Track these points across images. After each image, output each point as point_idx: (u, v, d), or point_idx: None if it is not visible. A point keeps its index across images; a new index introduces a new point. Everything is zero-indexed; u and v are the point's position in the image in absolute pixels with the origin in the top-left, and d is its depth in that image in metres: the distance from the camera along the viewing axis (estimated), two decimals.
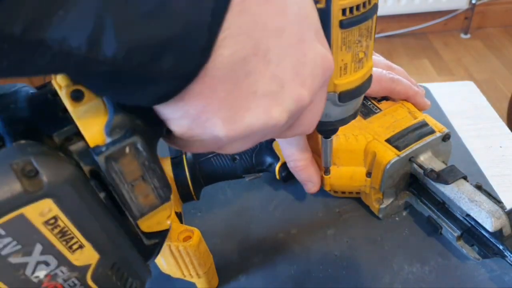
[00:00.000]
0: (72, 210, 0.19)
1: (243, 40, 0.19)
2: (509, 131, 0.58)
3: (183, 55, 0.17)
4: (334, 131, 0.37)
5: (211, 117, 0.20)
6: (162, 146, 0.46)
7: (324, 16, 0.25)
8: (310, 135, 0.46)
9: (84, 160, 0.20)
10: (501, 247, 0.37)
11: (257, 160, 0.47)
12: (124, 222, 0.22)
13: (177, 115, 0.20)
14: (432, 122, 0.44)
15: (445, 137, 0.43)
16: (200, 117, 0.20)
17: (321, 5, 0.24)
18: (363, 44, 0.27)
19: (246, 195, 0.51)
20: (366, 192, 0.46)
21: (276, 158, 0.47)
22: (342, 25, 0.25)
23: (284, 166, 0.47)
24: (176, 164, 0.45)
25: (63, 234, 0.19)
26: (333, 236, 0.45)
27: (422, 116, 0.45)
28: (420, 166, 0.42)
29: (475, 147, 0.56)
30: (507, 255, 0.37)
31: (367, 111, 0.46)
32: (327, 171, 0.45)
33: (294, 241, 0.45)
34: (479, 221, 0.38)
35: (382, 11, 2.05)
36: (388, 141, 0.42)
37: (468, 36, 2.20)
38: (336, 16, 0.25)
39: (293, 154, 0.44)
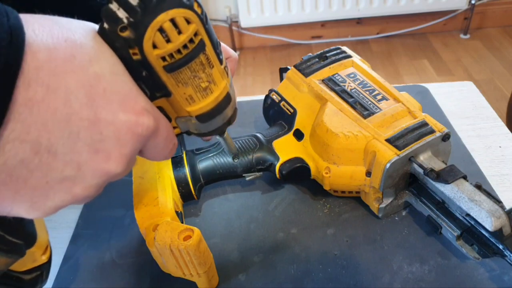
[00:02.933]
0: None
1: (16, 146, 0.19)
2: (508, 131, 0.58)
3: None
4: (221, 133, 0.36)
5: (11, 210, 0.22)
6: None
7: (146, 65, 0.25)
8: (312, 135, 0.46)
9: None
10: (500, 247, 0.37)
11: (257, 159, 0.47)
12: None
13: None
14: (432, 122, 0.44)
15: (445, 137, 0.43)
16: (2, 211, 0.21)
17: (138, 57, 0.24)
18: (201, 76, 0.27)
19: (246, 195, 0.51)
20: (366, 191, 0.46)
21: (276, 157, 0.47)
22: (167, 70, 0.25)
23: (284, 165, 0.47)
24: (177, 163, 0.45)
25: None
26: (333, 235, 0.45)
27: (422, 116, 0.45)
28: (420, 166, 0.42)
29: (475, 147, 0.56)
30: (507, 254, 0.37)
31: (367, 111, 0.46)
32: (235, 157, 0.46)
33: (294, 241, 0.45)
34: (479, 220, 0.38)
35: (381, 11, 2.05)
36: (388, 140, 0.42)
37: (468, 36, 2.20)
38: (156, 64, 0.25)
39: None
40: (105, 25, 0.23)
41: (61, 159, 0.21)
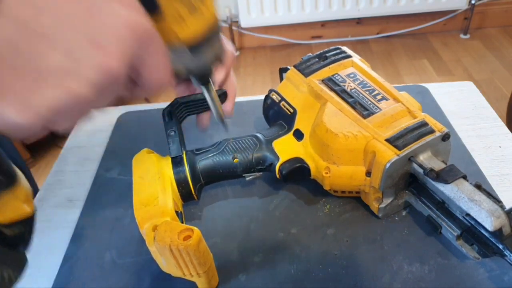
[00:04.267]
0: None
1: (2, 24, 0.18)
2: (508, 131, 0.58)
3: None
4: (205, 76, 0.36)
5: (1, 110, 0.20)
6: (162, 147, 0.46)
7: None
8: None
9: None
10: (500, 247, 0.37)
11: (257, 159, 0.47)
12: None
13: None
14: (432, 122, 0.44)
15: (445, 137, 0.43)
16: None
17: None
18: None
19: (246, 195, 0.51)
20: (366, 191, 0.46)
21: (276, 157, 0.47)
22: None
23: (284, 165, 0.47)
24: (177, 163, 0.45)
25: None
26: (333, 235, 0.45)
27: (422, 116, 0.45)
28: (420, 166, 0.42)
29: (475, 147, 0.56)
30: (507, 254, 0.37)
31: (367, 111, 0.46)
32: (223, 123, 0.44)
33: (294, 241, 0.45)
34: (479, 220, 0.38)
35: (381, 11, 2.05)
36: (387, 140, 0.42)
37: (468, 36, 2.20)
38: None
39: None
40: None
41: (53, 46, 0.20)
